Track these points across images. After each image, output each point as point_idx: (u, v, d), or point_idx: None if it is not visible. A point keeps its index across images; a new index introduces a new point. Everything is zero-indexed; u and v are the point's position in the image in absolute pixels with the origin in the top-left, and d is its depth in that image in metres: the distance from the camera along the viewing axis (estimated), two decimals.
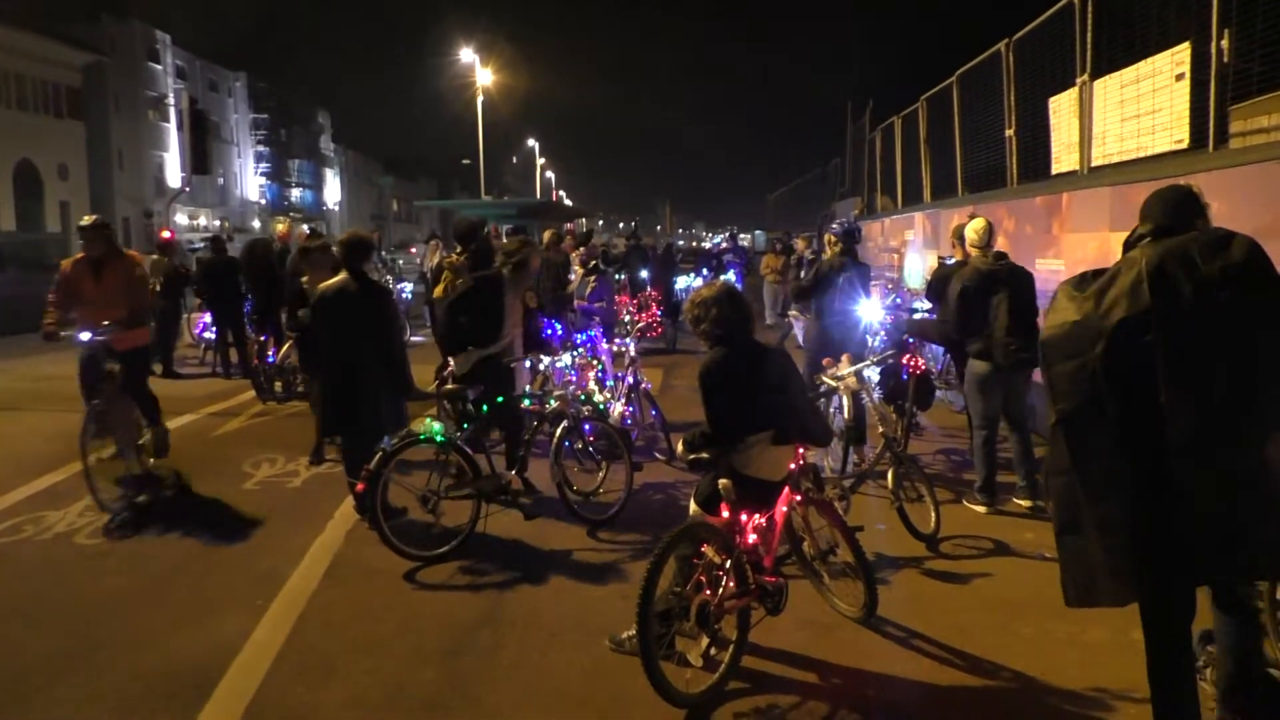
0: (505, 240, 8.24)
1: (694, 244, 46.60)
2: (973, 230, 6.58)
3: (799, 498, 4.41)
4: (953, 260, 8.62)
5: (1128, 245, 3.20)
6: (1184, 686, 3.15)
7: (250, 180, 66.74)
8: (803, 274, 10.45)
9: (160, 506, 6.41)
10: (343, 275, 6.10)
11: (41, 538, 5.95)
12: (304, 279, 10.22)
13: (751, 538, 4.08)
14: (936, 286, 7.86)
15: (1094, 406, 3.00)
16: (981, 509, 6.40)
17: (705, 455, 4.26)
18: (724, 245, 26.07)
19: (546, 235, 12.83)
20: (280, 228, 14.43)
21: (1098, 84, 8.98)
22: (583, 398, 6.81)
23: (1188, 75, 7.44)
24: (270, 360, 10.48)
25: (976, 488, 6.51)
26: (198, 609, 4.88)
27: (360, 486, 5.36)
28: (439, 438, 5.57)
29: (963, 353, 7.96)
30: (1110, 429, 2.98)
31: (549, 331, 8.40)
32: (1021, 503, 6.44)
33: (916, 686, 4.07)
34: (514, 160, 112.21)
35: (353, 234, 6.53)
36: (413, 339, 14.66)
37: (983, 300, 6.28)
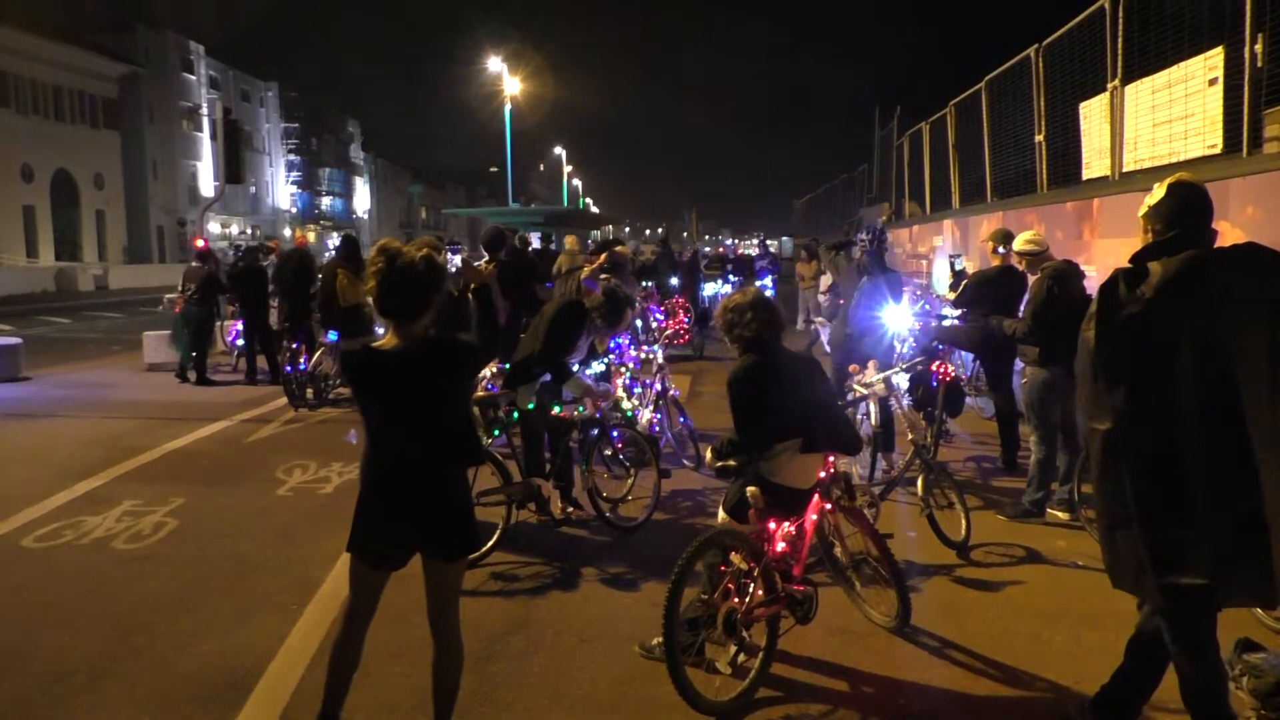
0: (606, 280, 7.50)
1: (719, 250, 46.73)
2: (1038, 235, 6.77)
3: (829, 506, 4.40)
4: (962, 267, 8.62)
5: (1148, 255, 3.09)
6: (1218, 697, 3.12)
7: (281, 189, 67.61)
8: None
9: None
10: None
11: (81, 543, 6.05)
12: (340, 282, 10.35)
13: (780, 546, 4.08)
14: (973, 291, 7.79)
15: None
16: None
17: (733, 463, 4.27)
18: (757, 251, 26.06)
19: (569, 242, 12.77)
20: (310, 237, 14.82)
21: (1129, 89, 8.92)
22: (610, 404, 6.81)
23: (1221, 80, 7.37)
24: (303, 367, 10.59)
25: (1031, 500, 6.38)
26: (233, 614, 4.95)
27: None
28: None
29: (996, 359, 7.92)
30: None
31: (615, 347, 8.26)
32: (1059, 514, 6.35)
33: (948, 695, 4.06)
34: (541, 168, 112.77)
35: None
36: None
37: (1064, 304, 6.12)
